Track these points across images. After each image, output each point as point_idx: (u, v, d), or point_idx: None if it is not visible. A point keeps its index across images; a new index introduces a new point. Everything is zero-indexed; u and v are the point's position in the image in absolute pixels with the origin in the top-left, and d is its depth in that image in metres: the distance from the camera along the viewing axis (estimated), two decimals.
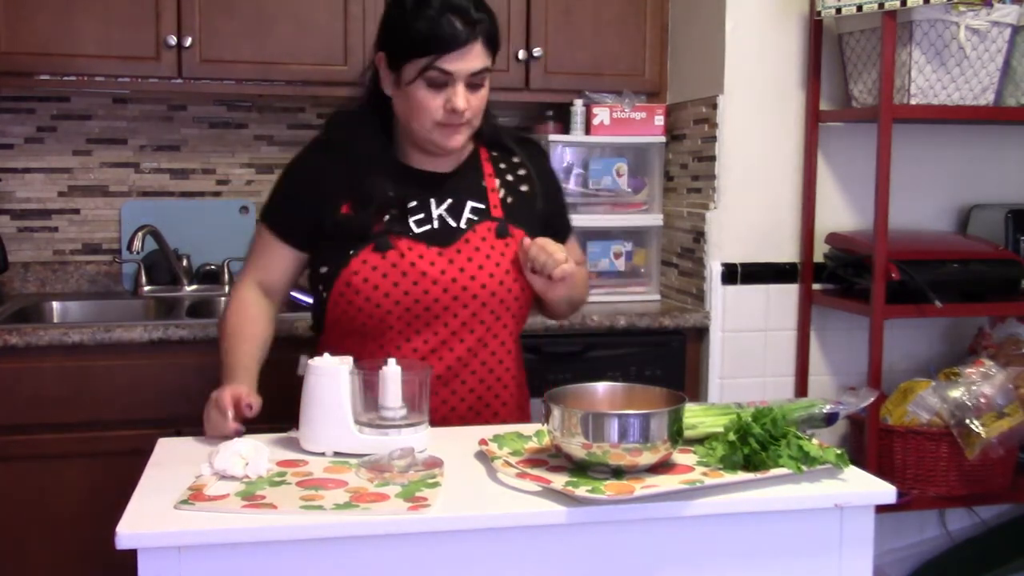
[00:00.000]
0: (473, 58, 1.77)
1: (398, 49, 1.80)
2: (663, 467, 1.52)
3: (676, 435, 1.48)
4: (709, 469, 1.51)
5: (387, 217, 1.84)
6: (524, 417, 1.95)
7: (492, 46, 1.82)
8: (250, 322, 1.90)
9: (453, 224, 1.86)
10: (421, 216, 1.86)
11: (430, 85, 1.79)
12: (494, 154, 1.97)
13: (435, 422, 1.76)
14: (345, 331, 1.86)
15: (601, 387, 1.63)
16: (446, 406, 1.85)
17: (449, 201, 1.88)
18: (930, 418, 2.63)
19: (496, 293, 1.84)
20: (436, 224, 1.86)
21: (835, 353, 2.88)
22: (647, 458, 1.46)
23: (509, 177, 1.95)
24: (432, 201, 1.87)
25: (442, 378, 1.84)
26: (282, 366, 2.40)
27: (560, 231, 1.98)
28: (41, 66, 2.71)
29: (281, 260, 1.93)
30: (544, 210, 1.96)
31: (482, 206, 1.89)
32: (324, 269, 1.86)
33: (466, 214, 1.88)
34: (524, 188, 1.95)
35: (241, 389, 1.73)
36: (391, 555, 1.35)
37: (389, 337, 1.83)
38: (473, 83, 1.80)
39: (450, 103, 1.78)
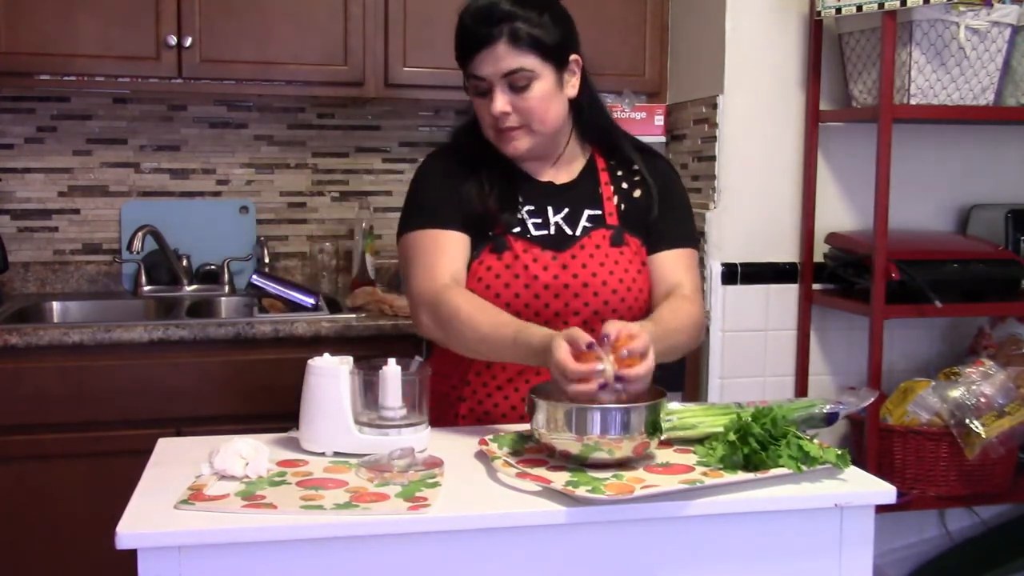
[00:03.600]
0: (500, 59, 1.74)
1: (457, 59, 1.81)
2: (663, 467, 1.53)
3: (653, 427, 1.50)
4: (709, 469, 1.51)
5: (507, 217, 1.82)
6: None
7: (532, 44, 1.75)
8: (487, 306, 1.74)
9: (569, 232, 1.84)
10: (539, 221, 1.85)
11: (476, 93, 1.79)
12: (612, 162, 1.92)
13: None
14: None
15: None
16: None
17: (566, 210, 1.86)
18: (930, 418, 2.63)
19: (609, 302, 1.81)
20: (552, 231, 1.84)
21: (835, 353, 2.88)
22: (626, 447, 1.48)
23: (624, 185, 1.91)
24: (549, 208, 1.86)
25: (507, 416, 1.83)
26: (283, 366, 2.40)
27: (668, 239, 1.87)
28: (41, 66, 2.71)
29: (454, 246, 1.81)
30: (657, 217, 1.88)
31: (598, 213, 1.87)
32: None
33: (582, 222, 1.85)
34: (637, 194, 1.90)
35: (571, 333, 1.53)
36: (391, 555, 1.35)
37: None
38: (515, 84, 1.76)
39: (491, 108, 1.76)
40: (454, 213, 1.82)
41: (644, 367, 1.50)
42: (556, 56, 1.79)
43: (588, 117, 1.90)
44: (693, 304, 1.82)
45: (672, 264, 1.87)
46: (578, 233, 1.84)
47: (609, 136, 1.93)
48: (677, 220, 1.91)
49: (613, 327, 1.52)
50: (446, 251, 1.80)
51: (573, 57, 1.84)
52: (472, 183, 1.84)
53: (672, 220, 1.89)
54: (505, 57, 1.74)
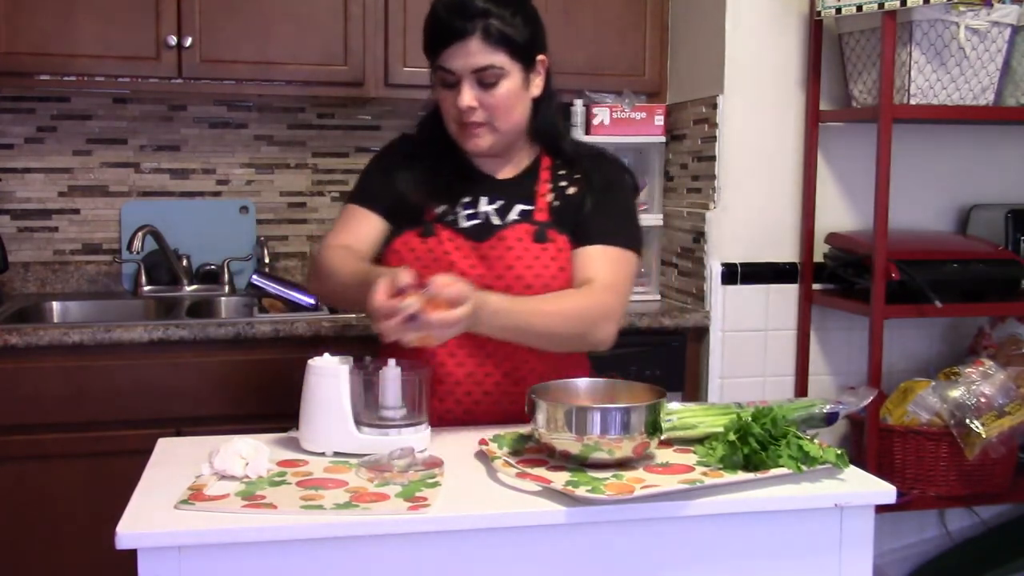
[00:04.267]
0: (472, 54, 1.75)
1: (424, 50, 1.83)
2: (663, 467, 1.53)
3: (653, 427, 1.50)
4: (709, 469, 1.51)
5: (442, 208, 1.86)
6: None
7: (504, 42, 1.76)
8: (352, 257, 1.83)
9: (496, 222, 1.86)
10: (471, 212, 1.87)
11: (443, 84, 1.80)
12: (557, 162, 1.93)
13: (458, 416, 1.81)
14: None
15: (583, 383, 1.67)
16: (470, 398, 1.83)
17: (500, 203, 1.88)
18: (930, 418, 2.63)
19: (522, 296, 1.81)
20: (481, 220, 1.86)
21: (835, 353, 2.88)
22: (626, 447, 1.48)
23: (563, 183, 1.91)
24: (483, 199, 1.88)
25: (461, 383, 1.83)
26: (282, 366, 2.40)
27: (593, 234, 1.83)
28: (41, 66, 2.71)
29: (363, 223, 1.90)
30: (589, 213, 1.85)
31: (529, 208, 1.87)
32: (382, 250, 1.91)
33: (511, 215, 1.86)
34: (572, 191, 1.90)
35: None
36: (391, 555, 1.35)
37: None
38: (483, 81, 1.77)
39: (458, 101, 1.78)
40: (381, 196, 1.90)
41: (449, 315, 1.54)
42: (525, 55, 1.81)
43: (543, 117, 1.90)
44: (588, 297, 1.77)
45: (590, 259, 1.82)
46: (502, 225, 1.85)
47: (553, 138, 1.93)
48: (611, 219, 1.86)
49: (438, 277, 1.57)
50: (352, 227, 1.90)
51: (540, 57, 1.85)
52: (410, 173, 1.89)
53: (605, 218, 1.85)
54: (477, 53, 1.76)
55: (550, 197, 1.89)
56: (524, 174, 1.92)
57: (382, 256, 1.90)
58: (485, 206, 1.87)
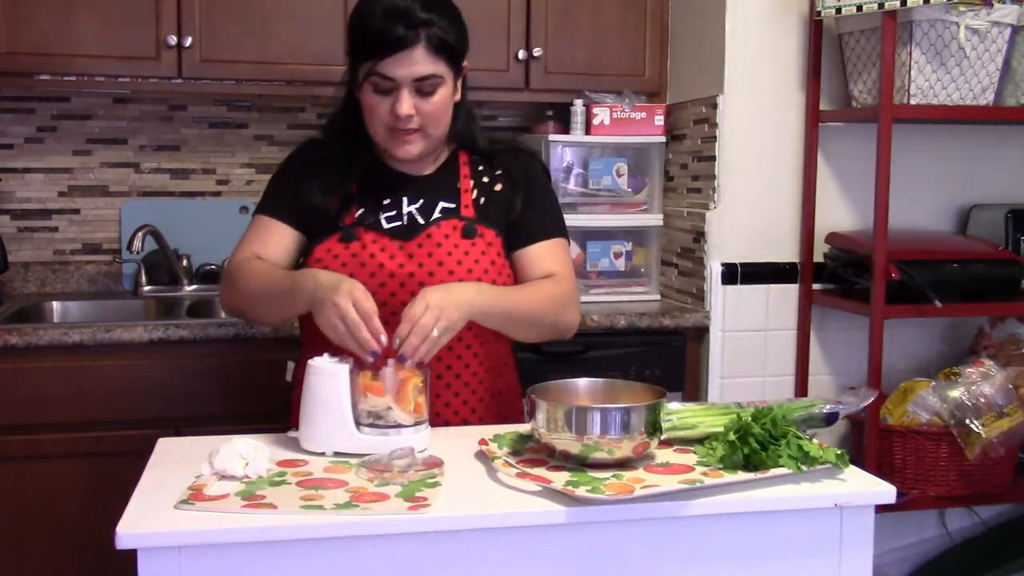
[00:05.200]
0: (415, 63, 1.73)
1: (351, 52, 1.81)
2: (663, 467, 1.53)
3: (653, 428, 1.51)
4: (709, 469, 1.51)
5: (360, 211, 1.84)
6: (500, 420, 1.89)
7: (445, 51, 1.76)
8: (267, 265, 1.84)
9: (421, 221, 1.85)
10: (392, 213, 1.85)
11: (376, 90, 1.77)
12: (475, 158, 1.94)
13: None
14: (312, 326, 1.76)
15: (583, 383, 1.67)
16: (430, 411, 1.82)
17: (421, 201, 1.87)
18: (930, 418, 2.63)
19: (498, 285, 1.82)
20: (405, 221, 1.85)
21: (835, 353, 2.88)
22: (626, 447, 1.49)
23: (485, 179, 1.92)
24: (404, 199, 1.86)
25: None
26: (282, 366, 2.40)
27: (535, 232, 1.89)
28: (41, 66, 2.71)
29: (275, 234, 1.87)
30: (520, 210, 1.89)
31: (452, 205, 1.87)
32: (301, 260, 1.88)
33: (435, 213, 1.86)
34: (498, 188, 1.91)
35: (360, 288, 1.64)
36: (391, 555, 1.35)
37: None
38: (422, 89, 1.76)
39: (394, 108, 1.76)
40: (289, 206, 1.87)
41: (423, 325, 1.61)
42: (458, 63, 1.81)
43: (460, 122, 1.90)
44: (558, 285, 1.87)
45: (543, 256, 1.89)
46: (428, 223, 1.85)
47: (474, 136, 1.94)
48: (543, 213, 1.93)
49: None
50: (264, 237, 1.87)
51: (464, 63, 1.85)
52: (322, 180, 1.86)
53: (538, 213, 1.91)
54: (421, 62, 1.74)
55: (474, 193, 1.89)
56: (441, 170, 1.91)
57: (301, 265, 1.86)
58: (407, 206, 1.86)
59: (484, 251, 1.84)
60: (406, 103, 1.75)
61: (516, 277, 1.89)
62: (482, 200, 1.89)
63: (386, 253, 1.81)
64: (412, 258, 1.81)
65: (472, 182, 1.91)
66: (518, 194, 1.90)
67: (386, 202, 1.86)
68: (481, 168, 1.93)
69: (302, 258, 1.88)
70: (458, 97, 1.86)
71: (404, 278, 1.79)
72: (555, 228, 1.93)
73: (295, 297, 1.71)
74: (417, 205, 1.86)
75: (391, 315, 1.73)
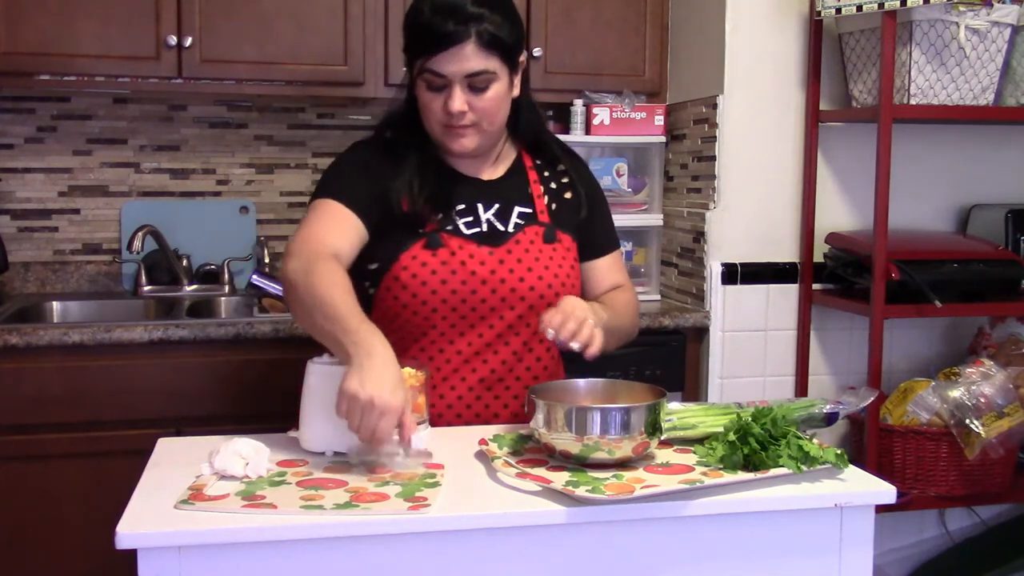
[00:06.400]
0: (466, 59, 1.72)
1: (406, 49, 1.79)
2: (663, 467, 1.53)
3: (653, 427, 1.51)
4: (709, 469, 1.51)
5: (439, 216, 1.82)
6: None
7: (497, 46, 1.73)
8: (345, 288, 1.64)
9: (501, 228, 1.84)
10: (470, 219, 1.84)
11: (429, 87, 1.77)
12: (538, 162, 1.94)
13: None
14: (386, 331, 1.67)
15: (583, 383, 1.68)
16: (489, 411, 1.83)
17: (497, 206, 1.86)
18: (930, 418, 2.63)
19: (544, 296, 1.81)
20: (485, 227, 1.83)
21: (835, 353, 2.88)
22: (626, 447, 1.49)
23: (553, 184, 1.92)
24: (479, 205, 1.85)
25: (485, 382, 1.82)
26: (282, 366, 2.40)
27: (603, 245, 1.96)
28: (41, 66, 2.71)
29: (346, 221, 1.75)
30: (586, 220, 1.92)
31: (529, 211, 1.87)
32: (374, 265, 1.81)
33: (513, 219, 1.85)
34: (568, 195, 1.92)
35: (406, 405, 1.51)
36: (391, 555, 1.35)
37: (432, 338, 1.80)
38: (475, 85, 1.75)
39: (447, 105, 1.75)
40: (364, 202, 1.77)
41: (585, 326, 1.63)
42: (512, 58, 1.79)
43: (524, 116, 1.90)
44: (632, 294, 1.99)
45: (612, 267, 1.98)
46: (511, 229, 1.84)
47: (539, 136, 1.94)
48: (607, 223, 2.00)
49: (552, 317, 1.63)
50: (343, 227, 1.75)
51: (520, 58, 1.83)
52: (401, 182, 1.81)
53: (600, 226, 1.98)
54: (472, 58, 1.72)
55: (547, 199, 1.90)
56: (510, 174, 1.91)
57: (386, 272, 1.79)
58: (484, 212, 1.85)
59: (564, 256, 1.86)
60: (458, 99, 1.74)
61: (585, 285, 1.93)
62: (554, 206, 1.90)
63: (476, 259, 1.79)
64: (503, 264, 1.81)
65: (542, 188, 1.91)
66: (583, 202, 1.93)
67: (460, 207, 1.84)
68: (547, 174, 1.93)
69: (372, 264, 1.80)
70: (517, 92, 1.84)
71: (496, 284, 1.79)
72: (616, 238, 2.02)
73: (339, 349, 1.56)
74: (493, 211, 1.85)
75: (479, 320, 1.79)
